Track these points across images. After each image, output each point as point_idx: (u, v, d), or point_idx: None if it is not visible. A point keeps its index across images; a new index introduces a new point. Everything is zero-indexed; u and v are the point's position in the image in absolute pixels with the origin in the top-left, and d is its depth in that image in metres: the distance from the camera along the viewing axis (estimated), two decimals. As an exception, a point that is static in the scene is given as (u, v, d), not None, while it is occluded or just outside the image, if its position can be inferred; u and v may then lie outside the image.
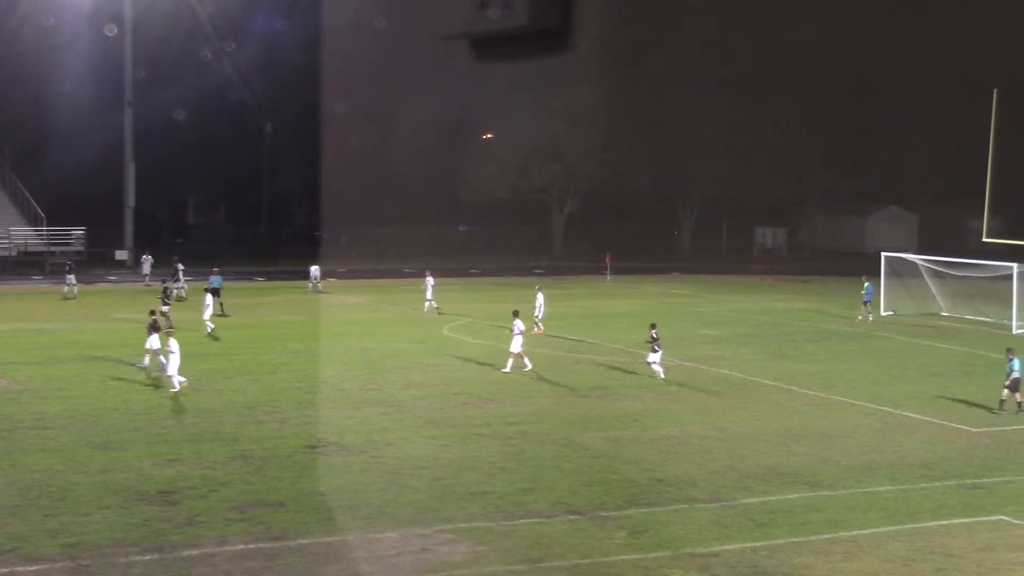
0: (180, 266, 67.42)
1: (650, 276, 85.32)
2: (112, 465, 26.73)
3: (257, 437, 29.89)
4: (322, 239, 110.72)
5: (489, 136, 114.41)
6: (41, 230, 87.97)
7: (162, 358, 37.46)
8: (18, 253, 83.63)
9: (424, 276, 60.97)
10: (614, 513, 23.78)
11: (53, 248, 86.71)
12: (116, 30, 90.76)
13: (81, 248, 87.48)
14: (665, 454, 28.96)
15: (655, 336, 40.45)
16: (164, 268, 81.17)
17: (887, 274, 62.35)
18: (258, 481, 25.60)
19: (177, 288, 63.03)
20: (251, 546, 21.33)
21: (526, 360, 40.99)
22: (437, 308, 58.30)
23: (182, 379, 36.08)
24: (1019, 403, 34.33)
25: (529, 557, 21.10)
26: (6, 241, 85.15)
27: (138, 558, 20.53)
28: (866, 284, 58.74)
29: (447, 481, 25.93)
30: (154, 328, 39.73)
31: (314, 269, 71.19)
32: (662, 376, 39.77)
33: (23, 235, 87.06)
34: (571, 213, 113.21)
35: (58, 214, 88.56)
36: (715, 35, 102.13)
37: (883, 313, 60.03)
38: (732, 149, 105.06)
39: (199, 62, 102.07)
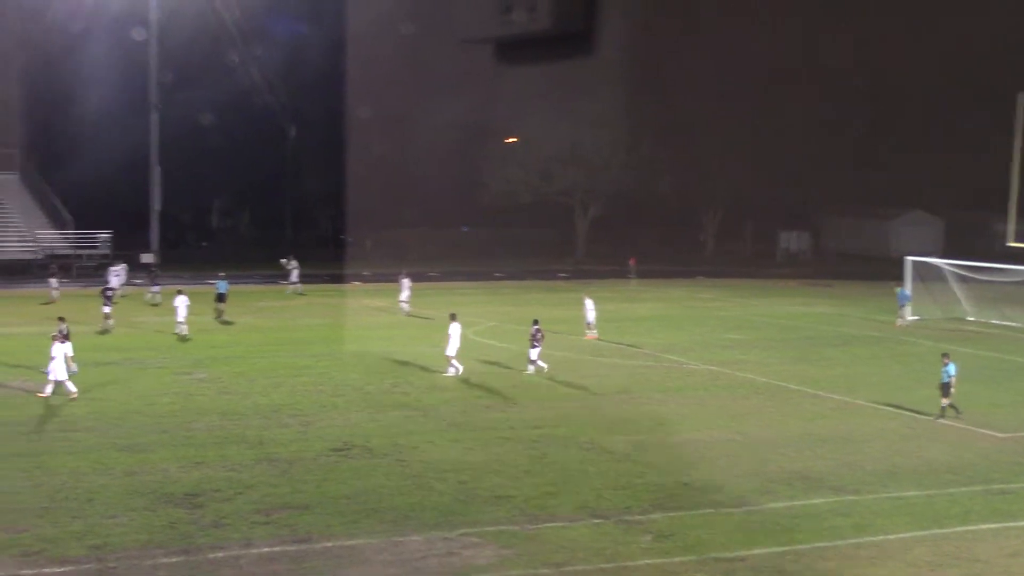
0: (124, 267, 68.20)
1: (674, 280, 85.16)
2: (138, 468, 26.83)
3: (282, 440, 29.96)
4: (346, 243, 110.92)
5: (512, 140, 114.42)
6: (68, 233, 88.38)
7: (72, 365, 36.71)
8: (44, 256, 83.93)
9: (400, 279, 61.24)
10: (639, 517, 23.76)
11: (80, 251, 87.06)
12: (144, 34, 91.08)
13: (107, 251, 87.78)
14: (690, 458, 28.91)
15: (537, 331, 41.27)
16: (189, 270, 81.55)
17: (912, 278, 62.10)
18: (283, 484, 25.66)
19: (152, 293, 63.44)
20: (276, 549, 21.39)
21: (540, 363, 41.11)
22: (408, 311, 58.75)
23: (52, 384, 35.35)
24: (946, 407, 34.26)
25: (554, 561, 21.10)
26: (33, 244, 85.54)
27: (164, 560, 20.61)
28: (898, 289, 58.62)
29: (472, 484, 25.94)
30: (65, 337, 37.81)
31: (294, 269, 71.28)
32: (544, 369, 40.82)
33: (50, 238, 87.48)
34: (595, 217, 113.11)
35: (84, 217, 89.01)
36: (738, 38, 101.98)
37: (909, 318, 59.80)
38: (755, 152, 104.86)
39: (224, 66, 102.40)
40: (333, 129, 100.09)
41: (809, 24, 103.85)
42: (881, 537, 22.90)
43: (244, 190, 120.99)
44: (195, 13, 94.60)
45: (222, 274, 59.90)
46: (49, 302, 61.86)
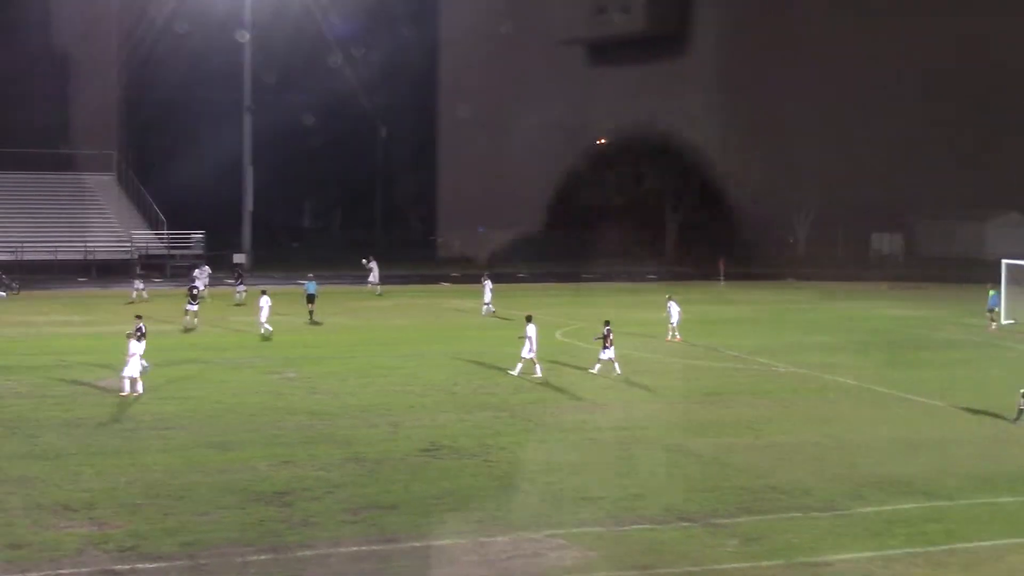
0: (207, 268, 68.75)
1: (764, 282, 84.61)
2: (229, 465, 27.15)
3: (371, 440, 30.16)
4: (436, 243, 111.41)
5: (603, 141, 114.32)
6: (162, 234, 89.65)
7: (143, 362, 37.45)
8: (139, 256, 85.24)
9: (483, 280, 61.24)
10: (726, 520, 23.63)
11: (173, 251, 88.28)
12: (245, 36, 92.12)
13: (200, 251, 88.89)
14: (778, 461, 28.71)
15: (607, 333, 40.83)
16: (280, 271, 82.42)
17: (1008, 282, 61.08)
18: (371, 484, 25.83)
19: (238, 292, 64.04)
20: (364, 548, 21.54)
21: (616, 364, 40.90)
22: (493, 311, 58.72)
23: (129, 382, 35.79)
24: None
25: (640, 563, 21.05)
26: (128, 244, 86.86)
27: (254, 558, 20.83)
28: (991, 292, 57.74)
29: (558, 486, 25.96)
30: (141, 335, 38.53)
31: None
32: (617, 371, 40.43)
33: (145, 238, 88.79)
34: (684, 218, 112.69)
35: (178, 218, 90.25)
36: (831, 39, 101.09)
37: (1004, 321, 58.85)
38: (848, 154, 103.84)
39: (318, 68, 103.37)
40: (425, 130, 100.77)
41: (904, 23, 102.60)
42: (974, 544, 22.57)
43: (335, 191, 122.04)
44: (289, 16, 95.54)
45: (311, 275, 60.44)
46: (131, 302, 62.59)
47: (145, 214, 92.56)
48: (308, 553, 21.19)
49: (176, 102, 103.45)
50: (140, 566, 20.33)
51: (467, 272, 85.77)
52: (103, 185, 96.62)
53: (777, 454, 29.52)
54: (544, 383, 39.23)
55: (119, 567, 20.20)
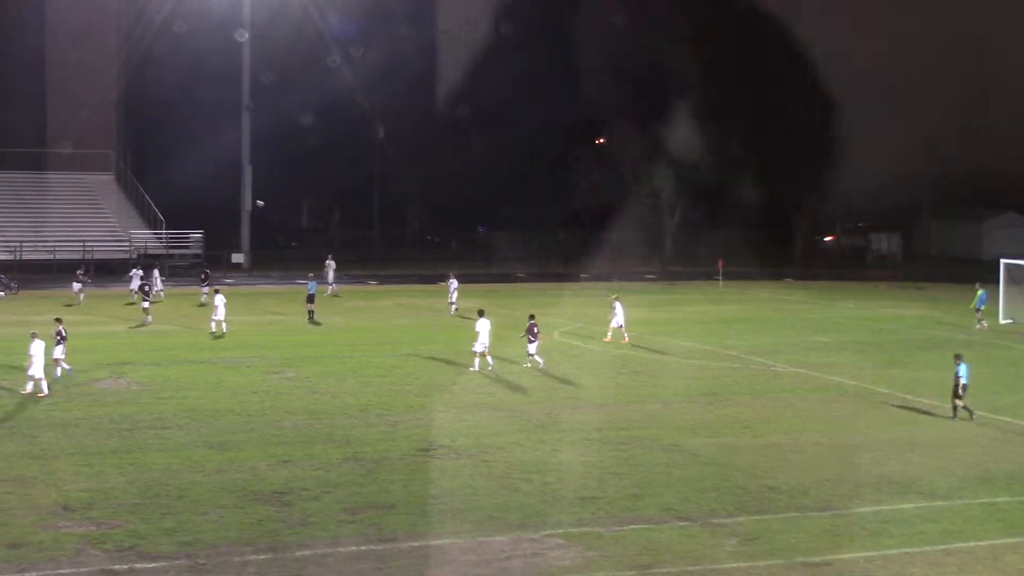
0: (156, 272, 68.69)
1: (762, 282, 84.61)
2: (228, 465, 27.17)
3: (369, 439, 30.18)
4: (434, 243, 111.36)
5: (601, 141, 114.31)
6: (160, 233, 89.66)
7: (65, 365, 38.12)
8: (138, 255, 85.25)
9: (448, 279, 61.36)
10: (725, 520, 23.66)
11: (171, 251, 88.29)
12: (244, 36, 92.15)
13: (199, 251, 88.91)
14: (776, 461, 28.74)
15: (532, 326, 41.89)
16: (278, 270, 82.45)
17: (1006, 281, 61.08)
18: (370, 483, 25.85)
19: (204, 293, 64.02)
20: (363, 548, 21.56)
21: (537, 357, 41.77)
22: (457, 310, 58.83)
23: (44, 387, 35.85)
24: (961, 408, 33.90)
25: (639, 563, 21.07)
26: (127, 244, 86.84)
27: (253, 557, 20.86)
28: (979, 292, 57.58)
29: (557, 486, 25.98)
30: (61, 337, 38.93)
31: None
32: (541, 366, 41.27)
33: (143, 238, 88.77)
34: (682, 218, 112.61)
35: (177, 217, 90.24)
36: (826, 39, 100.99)
37: (1001, 321, 58.84)
38: (846, 154, 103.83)
39: (316, 68, 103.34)
40: (422, 129, 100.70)
41: (897, 24, 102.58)
42: (972, 543, 22.60)
43: (334, 190, 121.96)
44: (287, 16, 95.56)
45: (311, 275, 60.51)
46: (131, 303, 62.48)
47: (144, 214, 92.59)
48: (307, 553, 21.21)
49: (175, 101, 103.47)
50: (139, 566, 20.35)
51: (465, 272, 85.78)
52: (102, 185, 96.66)
53: (775, 454, 29.55)
54: (544, 377, 39.30)
55: (118, 567, 20.22)
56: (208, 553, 20.99)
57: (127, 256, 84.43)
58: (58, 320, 39.86)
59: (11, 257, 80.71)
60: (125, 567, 20.23)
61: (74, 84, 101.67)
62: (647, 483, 26.36)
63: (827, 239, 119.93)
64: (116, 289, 69.79)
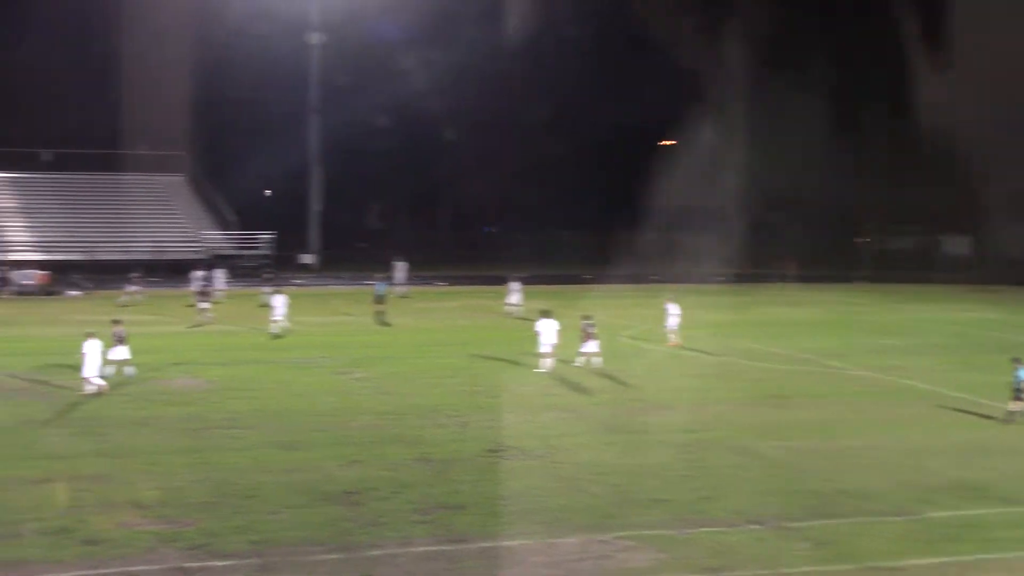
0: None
1: (834, 285, 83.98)
2: (298, 465, 27.30)
3: (439, 440, 30.22)
4: (503, 244, 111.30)
5: (672, 142, 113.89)
6: (231, 234, 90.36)
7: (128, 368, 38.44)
8: (209, 256, 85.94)
9: (509, 282, 61.23)
10: (796, 524, 23.45)
11: (242, 251, 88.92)
12: (318, 38, 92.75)
13: (269, 252, 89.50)
14: (847, 465, 28.44)
15: (588, 327, 42.05)
16: (347, 271, 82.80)
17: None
18: (440, 484, 25.87)
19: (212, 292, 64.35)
20: (433, 548, 21.58)
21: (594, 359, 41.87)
22: (517, 312, 58.67)
23: (100, 382, 36.14)
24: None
25: (710, 566, 20.94)
26: (197, 244, 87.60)
27: (324, 557, 20.93)
28: None
29: (626, 487, 25.87)
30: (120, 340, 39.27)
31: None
32: (596, 365, 41.40)
33: (214, 238, 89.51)
34: (754, 221, 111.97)
35: (247, 218, 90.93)
36: (899, 37, 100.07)
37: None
38: (917, 155, 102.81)
39: (385, 70, 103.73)
40: (491, 131, 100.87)
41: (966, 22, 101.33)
42: (1050, 550, 22.27)
43: (403, 191, 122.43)
44: (357, 18, 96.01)
45: (380, 276, 60.76)
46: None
47: (215, 215, 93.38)
48: (377, 552, 21.26)
49: (246, 103, 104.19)
50: (211, 564, 20.49)
51: (535, 274, 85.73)
52: (174, 186, 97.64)
53: (847, 458, 29.25)
54: (612, 379, 39.22)
55: (190, 564, 20.37)
56: (279, 552, 21.10)
57: (198, 257, 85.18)
58: (116, 322, 40.07)
59: (85, 257, 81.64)
60: (197, 565, 20.38)
61: (148, 86, 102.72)
62: (717, 486, 26.19)
63: (896, 241, 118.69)
64: (183, 290, 70.31)
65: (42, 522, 22.42)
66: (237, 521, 22.81)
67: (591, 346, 42.06)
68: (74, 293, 66.57)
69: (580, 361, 41.99)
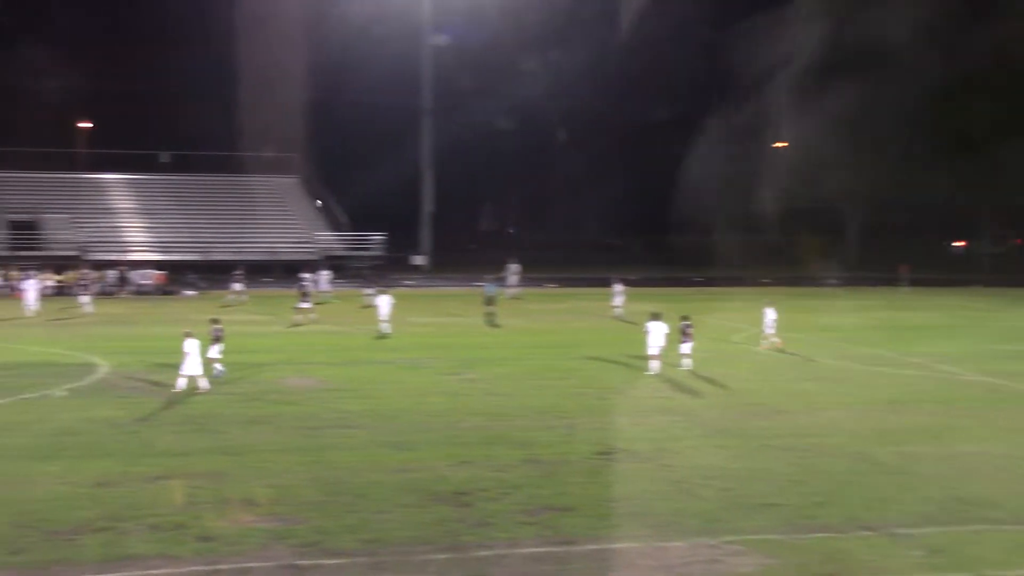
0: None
1: (948, 288, 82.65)
2: (408, 465, 27.47)
3: (548, 442, 30.23)
4: (613, 246, 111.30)
5: (782, 144, 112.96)
6: (344, 235, 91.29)
7: (218, 366, 38.69)
8: (322, 258, 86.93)
9: (612, 284, 60.89)
10: (910, 531, 23.08)
11: (354, 252, 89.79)
12: (442, 39, 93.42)
13: (381, 253, 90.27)
14: (964, 472, 27.93)
15: (686, 328, 42.25)
16: (458, 272, 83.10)
17: None
18: (548, 485, 25.87)
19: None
20: (542, 549, 21.58)
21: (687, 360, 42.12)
22: (620, 314, 58.37)
23: (204, 383, 36.88)
24: None
25: (821, 572, 20.70)
26: (311, 246, 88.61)
27: (433, 556, 21.03)
28: None
29: (737, 492, 25.66)
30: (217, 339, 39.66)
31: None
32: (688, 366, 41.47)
33: (327, 240, 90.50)
34: (866, 223, 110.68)
35: (360, 220, 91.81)
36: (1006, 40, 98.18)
37: None
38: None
39: (499, 73, 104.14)
40: (605, 134, 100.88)
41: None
42: None
43: (514, 193, 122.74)
44: (471, 21, 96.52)
45: (490, 277, 60.99)
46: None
47: (328, 216, 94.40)
48: (486, 553, 21.31)
49: (360, 106, 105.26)
50: (323, 562, 20.68)
51: (646, 276, 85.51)
52: (287, 188, 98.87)
53: (963, 464, 28.73)
54: (723, 382, 39.01)
55: (303, 562, 20.58)
56: (390, 551, 21.24)
57: (312, 259, 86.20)
58: (214, 320, 40.52)
59: (200, 257, 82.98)
60: (310, 563, 20.59)
61: (264, 89, 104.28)
62: (829, 491, 25.87)
63: (991, 246, 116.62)
64: (293, 290, 71.18)
65: (158, 518, 22.81)
66: (348, 520, 23.00)
67: (687, 347, 42.05)
68: (190, 293, 67.72)
69: (689, 364, 41.86)
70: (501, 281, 70.24)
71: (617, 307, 59.31)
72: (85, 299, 61.75)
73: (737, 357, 46.18)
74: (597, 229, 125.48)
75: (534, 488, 25.61)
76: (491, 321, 57.12)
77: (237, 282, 66.25)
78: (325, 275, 69.67)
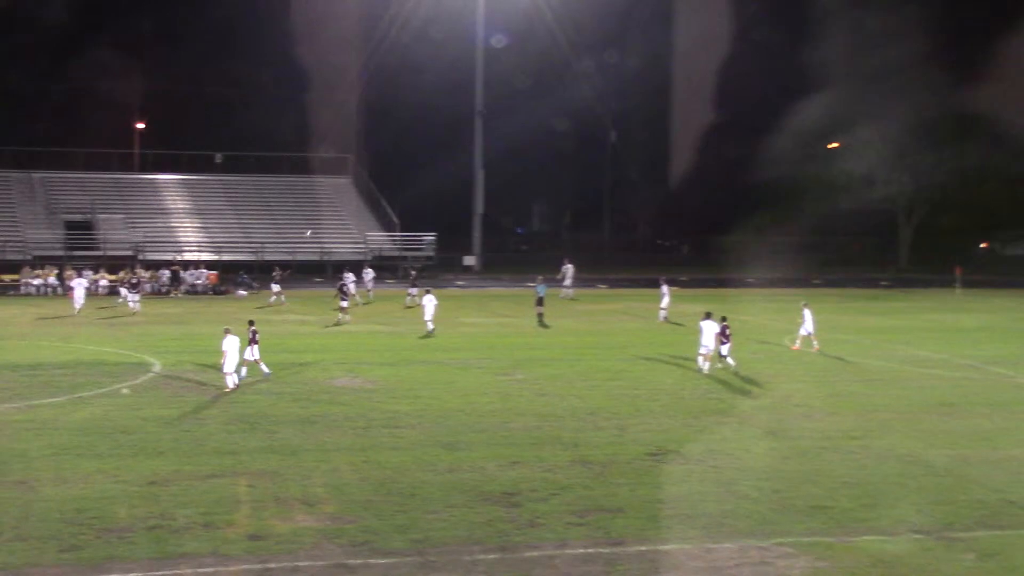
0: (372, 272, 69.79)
1: (1004, 290, 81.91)
2: (458, 465, 27.56)
3: (597, 443, 30.25)
4: (664, 248, 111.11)
5: (835, 145, 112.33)
6: (395, 235, 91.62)
7: (263, 366, 38.84)
8: (373, 258, 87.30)
9: (660, 286, 60.56)
10: (961, 534, 22.96)
11: (405, 253, 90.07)
12: (502, 41, 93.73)
13: (431, 253, 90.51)
14: (1017, 475, 27.72)
15: (725, 329, 42.02)
16: (508, 273, 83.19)
17: None
18: (598, 486, 25.90)
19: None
20: (591, 550, 21.62)
21: (729, 360, 42.10)
22: (667, 317, 58.11)
23: (234, 380, 37.26)
24: None
25: (871, 575, 20.64)
26: (363, 246, 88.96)
27: (482, 557, 21.11)
28: None
29: (787, 494, 25.59)
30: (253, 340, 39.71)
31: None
32: (732, 366, 41.54)
33: (378, 240, 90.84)
34: (919, 224, 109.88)
35: (411, 220, 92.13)
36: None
37: None
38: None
39: (551, 75, 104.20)
40: (656, 136, 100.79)
41: None
42: None
43: (565, 195, 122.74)
44: (522, 23, 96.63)
45: (541, 278, 61.01)
46: (362, 303, 63.90)
47: (379, 216, 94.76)
48: (535, 554, 21.37)
49: (412, 107, 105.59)
50: (372, 561, 20.81)
51: (695, 277, 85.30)
52: (340, 188, 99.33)
53: (1016, 468, 28.51)
54: (775, 384, 38.88)
55: (352, 561, 20.71)
56: (439, 551, 21.34)
57: (363, 259, 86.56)
58: (250, 323, 40.55)
59: (253, 257, 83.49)
60: (359, 562, 20.72)
61: (318, 91, 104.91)
62: (880, 494, 25.76)
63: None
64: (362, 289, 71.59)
65: (209, 516, 23.02)
66: (398, 519, 23.12)
67: (725, 348, 42.12)
68: (242, 293, 68.19)
69: (733, 363, 41.81)
70: (558, 281, 70.67)
71: (664, 308, 59.15)
72: (133, 298, 62.32)
73: (787, 358, 46.01)
74: (648, 230, 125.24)
75: (583, 489, 25.65)
76: (542, 322, 57.17)
77: (275, 283, 66.68)
78: (368, 275, 69.89)
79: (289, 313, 61.08)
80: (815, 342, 48.38)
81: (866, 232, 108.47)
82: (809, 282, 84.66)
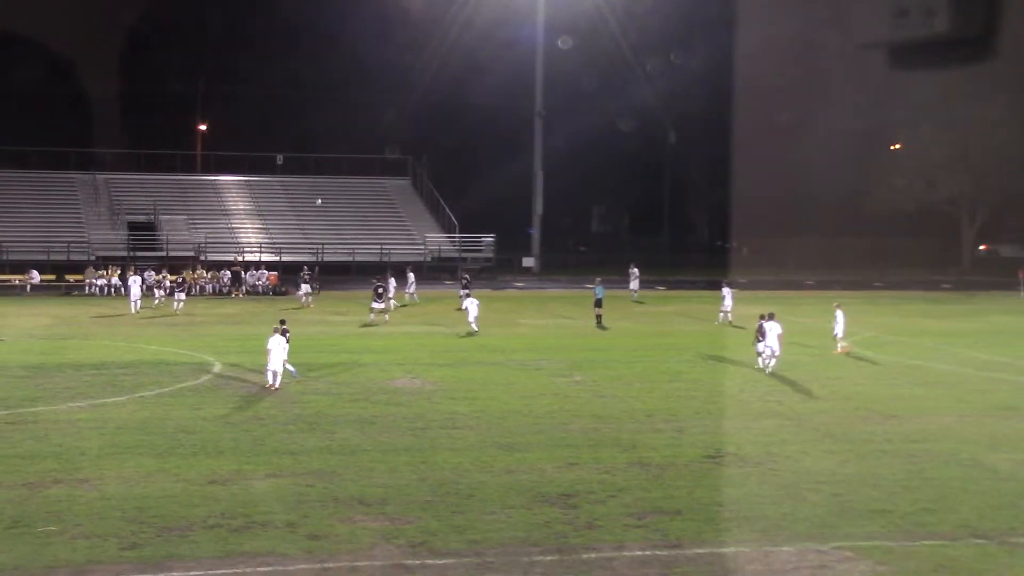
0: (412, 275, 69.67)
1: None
2: (516, 466, 27.58)
3: (655, 444, 30.18)
4: (724, 249, 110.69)
5: (897, 147, 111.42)
6: (454, 237, 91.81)
7: (288, 366, 38.52)
8: (432, 259, 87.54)
9: (722, 288, 60.04)
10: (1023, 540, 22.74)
11: (464, 255, 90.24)
12: (569, 43, 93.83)
13: (491, 255, 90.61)
14: (1081, 481, 27.42)
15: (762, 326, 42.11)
16: (567, 274, 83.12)
17: None
18: (656, 488, 25.84)
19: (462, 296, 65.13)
20: (648, 553, 21.57)
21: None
22: (728, 319, 57.70)
23: (271, 379, 37.47)
24: None
25: (931, 580, 20.49)
26: (422, 247, 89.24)
27: (539, 558, 21.10)
28: None
29: (846, 497, 25.42)
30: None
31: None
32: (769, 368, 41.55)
33: (437, 241, 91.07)
34: (982, 226, 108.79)
35: (470, 221, 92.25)
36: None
37: None
38: None
39: (611, 76, 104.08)
40: (716, 136, 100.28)
41: None
42: None
43: (625, 196, 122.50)
44: (583, 24, 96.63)
45: (599, 279, 60.94)
46: (405, 304, 63.96)
47: (439, 218, 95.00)
48: (592, 556, 21.35)
49: (472, 108, 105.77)
50: (430, 562, 20.86)
51: (755, 279, 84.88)
52: (399, 189, 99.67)
53: (1080, 473, 28.19)
54: (835, 386, 38.66)
55: (410, 562, 20.78)
56: (496, 552, 21.36)
57: (423, 260, 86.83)
58: (282, 322, 40.37)
59: (314, 258, 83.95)
60: (417, 562, 20.78)
61: (376, 92, 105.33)
62: (941, 498, 25.53)
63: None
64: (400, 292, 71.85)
65: (269, 515, 23.18)
66: (456, 520, 23.17)
67: (762, 345, 42.23)
68: (302, 294, 68.53)
69: (770, 363, 41.63)
70: (629, 283, 70.85)
71: (725, 310, 58.80)
72: (179, 297, 62.95)
73: (846, 361, 45.69)
74: (707, 232, 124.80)
75: (641, 491, 25.60)
76: (600, 323, 57.10)
77: (305, 282, 66.87)
78: (411, 277, 69.88)
79: (351, 314, 61.29)
80: (840, 344, 48.03)
81: (928, 234, 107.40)
82: (870, 284, 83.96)
